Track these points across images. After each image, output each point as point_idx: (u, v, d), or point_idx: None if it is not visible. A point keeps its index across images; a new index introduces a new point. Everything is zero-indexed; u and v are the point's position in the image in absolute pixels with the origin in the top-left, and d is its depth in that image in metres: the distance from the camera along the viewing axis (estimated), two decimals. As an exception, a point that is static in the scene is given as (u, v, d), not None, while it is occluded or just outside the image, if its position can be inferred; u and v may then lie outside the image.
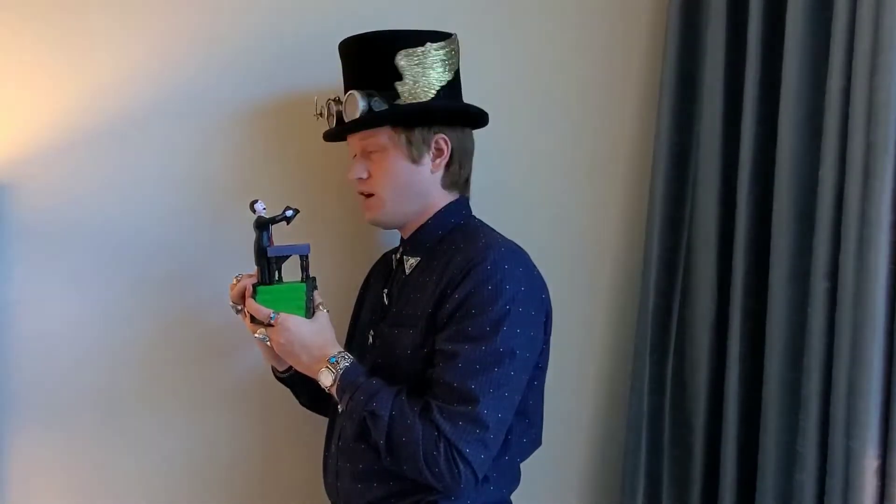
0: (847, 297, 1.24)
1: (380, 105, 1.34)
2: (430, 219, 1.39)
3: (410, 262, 1.41)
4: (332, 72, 1.46)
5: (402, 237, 1.47)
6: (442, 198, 1.40)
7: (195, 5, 1.57)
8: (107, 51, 1.55)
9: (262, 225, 1.35)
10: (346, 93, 1.38)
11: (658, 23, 1.67)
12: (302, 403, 1.55)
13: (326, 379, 1.28)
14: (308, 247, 1.38)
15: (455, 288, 1.26)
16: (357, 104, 1.33)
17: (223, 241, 1.60)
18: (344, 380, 1.27)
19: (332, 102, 1.40)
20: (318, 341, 1.31)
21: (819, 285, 1.31)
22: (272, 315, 1.30)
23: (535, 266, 1.33)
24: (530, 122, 1.68)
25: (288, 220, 1.37)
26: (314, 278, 1.39)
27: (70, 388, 1.58)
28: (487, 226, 1.41)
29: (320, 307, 1.34)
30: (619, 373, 1.73)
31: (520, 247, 1.34)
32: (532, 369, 1.30)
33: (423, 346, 1.29)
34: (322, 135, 1.47)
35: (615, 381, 1.74)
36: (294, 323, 1.30)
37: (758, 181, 1.46)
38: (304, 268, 1.38)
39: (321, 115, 1.44)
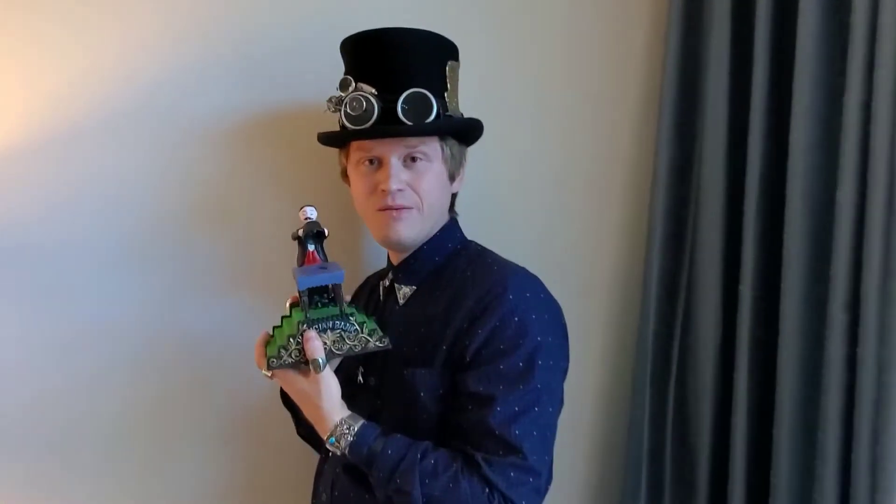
0: (870, 331, 1.14)
1: (443, 111, 1.23)
2: (425, 243, 1.28)
3: (404, 290, 1.29)
4: (314, 77, 1.38)
5: (390, 262, 1.35)
6: (444, 220, 1.31)
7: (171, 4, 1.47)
8: (72, 51, 1.45)
9: (295, 238, 1.20)
10: (377, 88, 1.22)
11: (657, 29, 1.56)
12: (300, 434, 1.42)
13: (336, 452, 1.16)
14: (333, 276, 1.14)
15: (475, 322, 1.16)
16: (431, 104, 1.21)
17: (204, 260, 1.51)
18: (354, 457, 1.14)
19: (373, 97, 1.20)
20: (312, 411, 1.16)
21: (837, 317, 1.21)
22: (264, 371, 1.17)
23: (548, 290, 1.23)
24: (521, 137, 1.58)
25: (299, 239, 1.20)
26: (328, 316, 1.14)
27: (32, 422, 1.48)
28: (489, 250, 1.31)
29: (319, 363, 1.12)
30: (616, 405, 1.63)
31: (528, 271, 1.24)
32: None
33: (439, 386, 1.18)
34: (326, 133, 1.30)
35: (612, 415, 1.64)
36: (288, 380, 1.17)
37: (767, 201, 1.36)
38: (329, 300, 1.16)
39: (347, 110, 1.22)
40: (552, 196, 1.59)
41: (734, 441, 1.39)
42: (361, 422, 1.15)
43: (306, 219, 1.19)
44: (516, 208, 1.59)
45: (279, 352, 1.13)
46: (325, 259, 1.19)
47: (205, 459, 1.54)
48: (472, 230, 1.36)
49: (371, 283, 1.43)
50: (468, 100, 1.34)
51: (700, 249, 1.50)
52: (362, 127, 1.21)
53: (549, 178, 1.59)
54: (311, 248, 1.18)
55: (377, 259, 1.48)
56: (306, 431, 1.38)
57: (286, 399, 1.34)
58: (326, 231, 1.20)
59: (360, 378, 1.29)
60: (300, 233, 1.19)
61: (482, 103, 1.39)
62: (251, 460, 1.56)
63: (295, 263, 1.20)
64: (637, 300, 1.59)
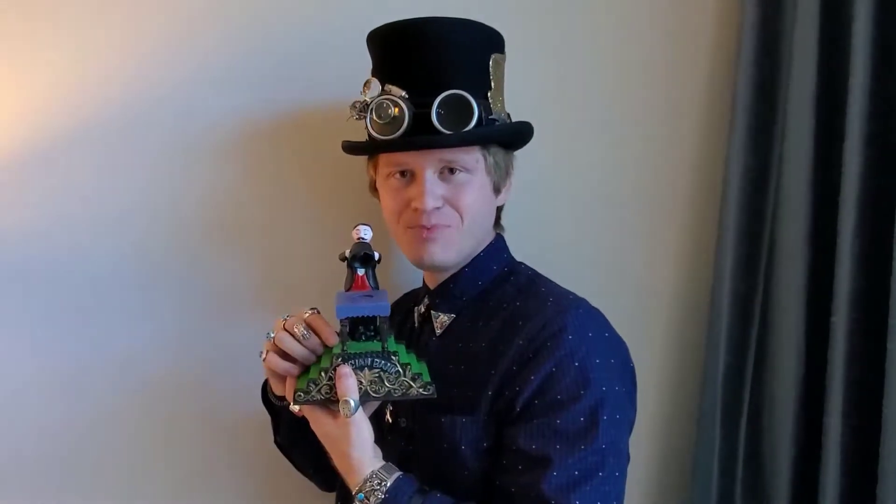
0: None
1: (486, 115, 1.07)
2: (466, 265, 1.13)
3: (442, 319, 1.14)
4: (341, 75, 1.25)
5: (426, 286, 1.19)
6: (489, 238, 1.15)
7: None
8: (74, 51, 1.35)
9: (342, 260, 1.07)
10: (408, 91, 1.06)
11: (730, 18, 1.38)
12: (277, 444, 1.26)
13: None
14: (376, 307, 1.01)
15: (526, 365, 1.01)
16: (472, 109, 1.05)
17: (222, 279, 1.40)
18: None
19: (403, 102, 1.06)
20: (340, 459, 1.01)
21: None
22: (292, 406, 1.03)
23: (612, 327, 1.07)
24: (571, 142, 1.41)
25: (346, 261, 1.07)
26: (368, 352, 1.01)
27: (38, 455, 1.40)
28: (542, 275, 1.15)
29: (350, 405, 0.97)
30: (679, 449, 1.45)
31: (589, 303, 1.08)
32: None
33: (483, 438, 1.03)
34: (351, 144, 1.16)
35: (674, 459, 1.46)
36: (315, 420, 1.02)
37: (870, 219, 1.17)
38: (374, 333, 1.03)
39: (373, 117, 1.07)
40: (607, 210, 1.43)
41: (824, 499, 1.21)
42: (395, 475, 0.99)
43: (359, 238, 1.06)
44: (565, 225, 1.43)
45: (308, 386, 1.00)
46: (376, 286, 1.06)
47: (224, 495, 1.44)
48: (515, 248, 1.21)
49: (405, 306, 1.27)
50: (511, 98, 1.18)
51: (778, 272, 1.33)
52: (391, 137, 1.06)
53: (604, 189, 1.42)
54: (360, 272, 1.05)
55: (412, 277, 1.32)
56: (287, 442, 1.23)
57: (266, 397, 1.19)
58: (377, 255, 1.05)
59: (389, 417, 1.14)
60: (347, 254, 1.05)
61: (527, 103, 1.22)
62: (276, 497, 1.44)
63: (342, 287, 1.07)
64: (705, 328, 1.41)
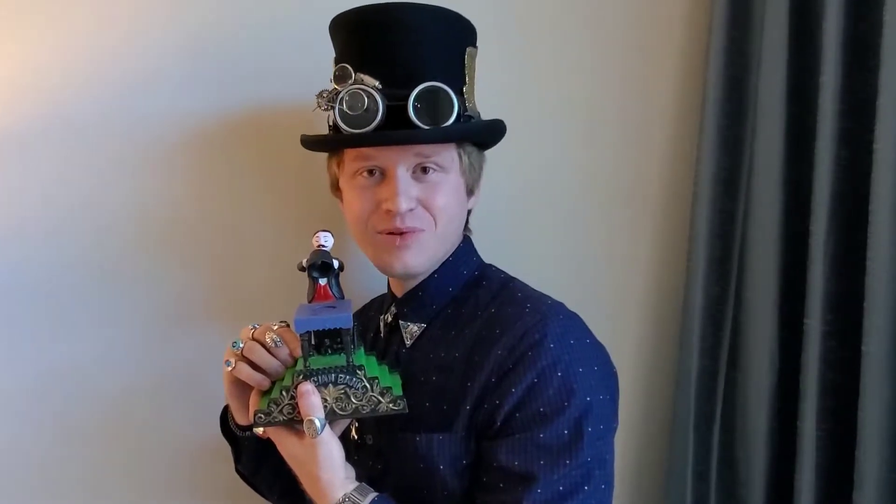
0: None
1: (462, 111, 1.02)
2: (435, 271, 1.07)
3: (412, 329, 1.08)
4: (302, 67, 1.20)
5: (391, 293, 1.13)
6: (458, 241, 1.10)
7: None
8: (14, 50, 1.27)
9: (302, 270, 1.01)
10: (382, 81, 0.99)
11: (700, 16, 1.36)
12: (238, 472, 1.19)
13: None
14: (337, 319, 0.94)
15: (506, 376, 0.95)
16: (451, 103, 0.98)
17: (179, 287, 1.34)
18: None
19: (377, 92, 0.98)
20: (309, 481, 0.95)
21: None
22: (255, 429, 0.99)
23: (591, 331, 1.03)
24: (540, 142, 1.37)
25: (304, 270, 1.02)
26: (332, 367, 0.95)
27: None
28: (515, 278, 1.10)
29: (315, 425, 0.92)
30: (653, 453, 1.43)
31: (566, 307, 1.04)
32: None
33: (462, 456, 0.97)
34: (313, 137, 1.09)
35: (650, 464, 1.43)
36: (280, 441, 0.97)
37: (843, 219, 1.15)
38: (339, 347, 0.97)
39: (343, 108, 0.99)
40: (576, 212, 1.39)
41: (798, 499, 1.19)
42: (370, 497, 0.93)
43: (319, 246, 1.00)
44: (533, 226, 1.40)
45: (269, 406, 0.94)
46: (341, 295, 1.00)
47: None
48: (482, 250, 1.16)
49: (366, 314, 1.22)
50: (479, 97, 1.13)
51: (750, 274, 1.31)
52: (363, 130, 0.98)
53: (573, 191, 1.39)
54: (321, 281, 0.99)
55: (376, 284, 1.26)
56: (249, 471, 1.17)
57: (225, 426, 1.13)
58: (337, 263, 0.99)
59: (355, 434, 1.08)
60: (304, 263, 0.99)
61: (495, 102, 1.17)
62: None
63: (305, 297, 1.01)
64: (676, 330, 1.39)
